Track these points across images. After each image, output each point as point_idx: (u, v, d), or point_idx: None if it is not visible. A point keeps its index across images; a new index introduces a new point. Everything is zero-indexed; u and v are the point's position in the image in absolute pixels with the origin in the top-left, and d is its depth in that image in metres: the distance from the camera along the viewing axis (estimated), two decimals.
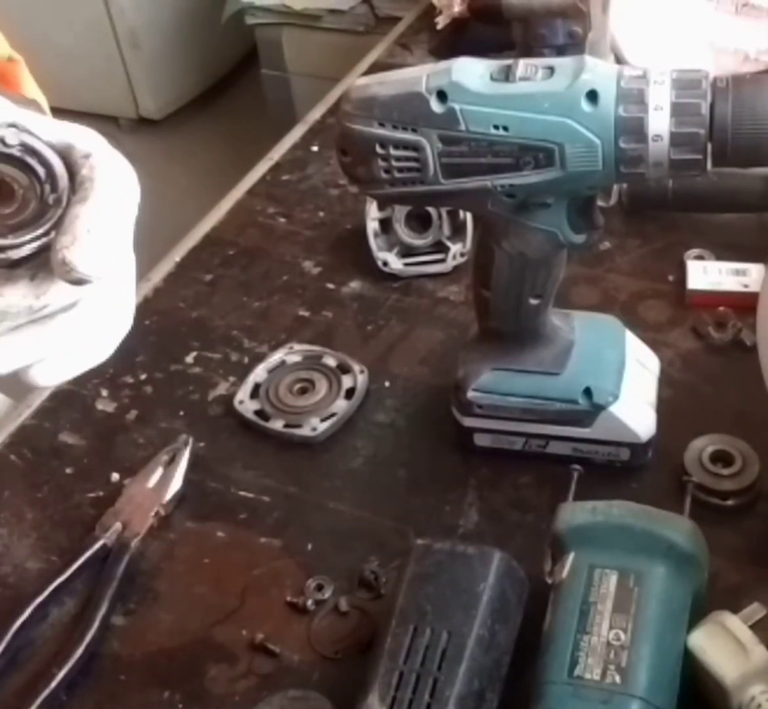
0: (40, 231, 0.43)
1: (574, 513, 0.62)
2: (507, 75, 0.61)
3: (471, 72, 0.61)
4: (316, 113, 1.20)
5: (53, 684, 0.66)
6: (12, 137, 0.43)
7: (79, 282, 0.42)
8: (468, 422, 0.75)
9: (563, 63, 0.60)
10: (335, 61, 1.81)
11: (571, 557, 0.60)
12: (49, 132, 0.44)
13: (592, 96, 0.58)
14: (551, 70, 0.60)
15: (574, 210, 0.64)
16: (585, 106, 0.58)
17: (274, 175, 1.10)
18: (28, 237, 0.43)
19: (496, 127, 0.60)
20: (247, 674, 0.67)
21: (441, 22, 1.28)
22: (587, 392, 0.71)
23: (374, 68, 1.28)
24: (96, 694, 0.67)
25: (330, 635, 0.68)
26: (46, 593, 0.71)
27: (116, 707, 0.66)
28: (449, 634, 0.58)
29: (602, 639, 0.56)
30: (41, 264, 0.43)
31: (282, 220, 1.04)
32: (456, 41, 1.27)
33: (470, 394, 0.73)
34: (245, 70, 2.62)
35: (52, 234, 0.43)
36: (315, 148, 1.13)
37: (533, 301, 0.69)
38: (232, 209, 1.05)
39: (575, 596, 0.58)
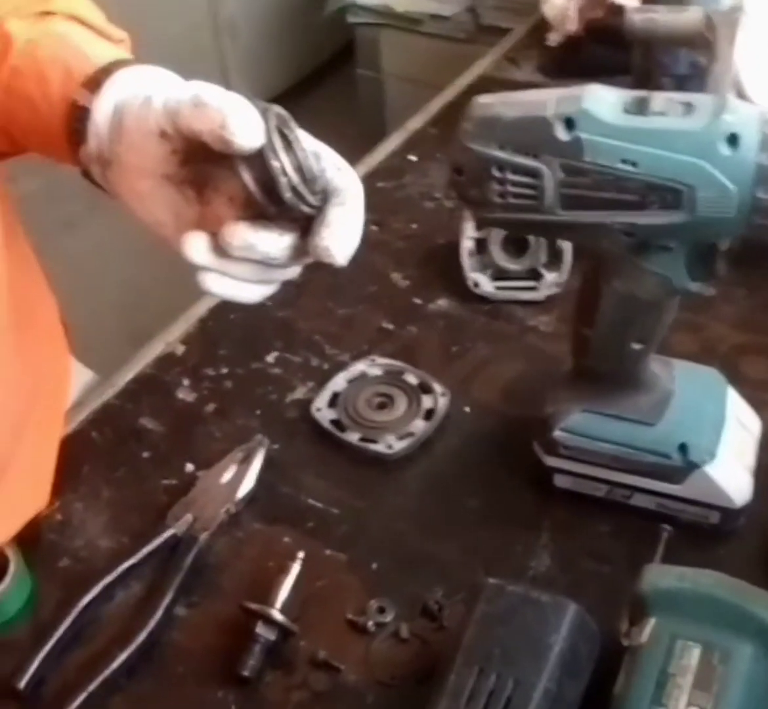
0: (316, 205, 0.56)
1: (661, 576, 0.60)
2: (641, 108, 0.59)
3: (603, 101, 0.59)
4: (416, 122, 1.19)
5: (114, 665, 0.67)
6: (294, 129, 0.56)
7: (331, 264, 0.55)
8: (550, 461, 0.73)
9: (703, 100, 0.58)
10: (431, 66, 1.80)
11: (652, 622, 0.58)
12: (305, 138, 0.57)
13: (733, 139, 0.56)
14: (689, 106, 0.58)
15: (694, 256, 0.62)
16: (723, 149, 0.56)
17: (368, 181, 1.09)
18: (312, 202, 0.55)
19: (624, 161, 0.58)
20: (301, 686, 0.66)
21: (553, 39, 1.26)
22: (682, 447, 0.69)
23: (480, 81, 1.28)
24: (154, 681, 0.68)
25: (388, 660, 0.67)
26: (115, 574, 0.72)
27: (172, 697, 0.67)
28: (516, 682, 0.57)
29: None
30: (287, 231, 0.56)
31: (374, 228, 1.03)
32: (568, 60, 1.26)
33: (557, 433, 0.72)
34: (338, 67, 2.61)
35: (315, 211, 0.56)
36: (413, 158, 1.13)
37: (636, 346, 0.68)
38: None
39: (653, 664, 0.56)
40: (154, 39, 2.39)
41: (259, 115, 0.53)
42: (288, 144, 0.55)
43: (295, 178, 0.54)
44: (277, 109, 0.56)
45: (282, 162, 0.54)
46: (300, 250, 0.57)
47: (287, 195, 0.54)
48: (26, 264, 0.78)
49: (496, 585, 0.63)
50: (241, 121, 0.52)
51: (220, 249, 0.55)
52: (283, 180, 0.54)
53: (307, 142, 0.57)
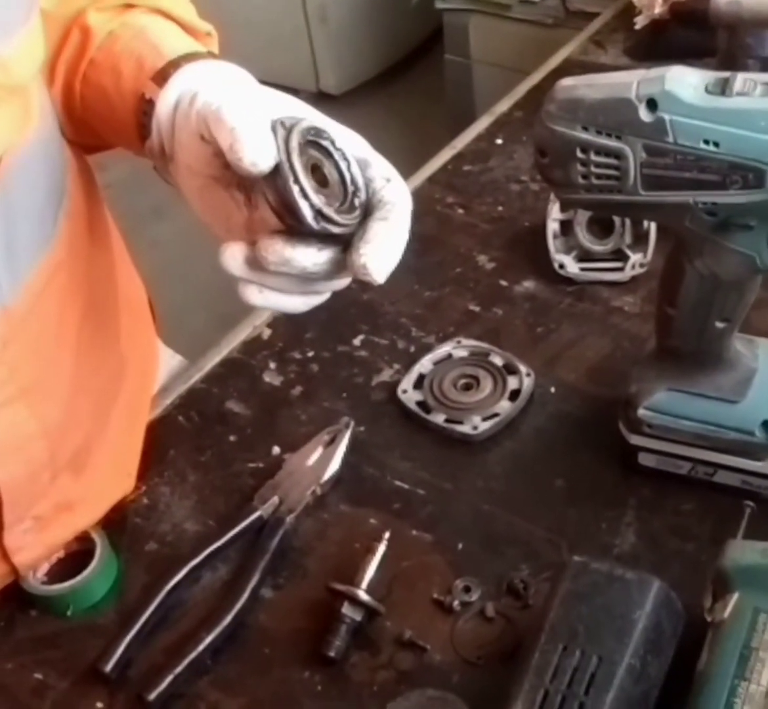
0: (349, 223, 0.52)
1: (744, 552, 0.60)
2: (723, 88, 0.58)
3: (685, 82, 0.59)
4: (503, 106, 1.19)
5: (200, 647, 0.68)
6: (340, 142, 0.54)
7: (366, 283, 0.52)
8: (635, 440, 0.73)
9: None
10: (520, 52, 1.79)
11: (735, 597, 0.58)
12: (352, 145, 0.55)
13: None
14: None
15: None
16: None
17: (455, 164, 1.10)
18: (343, 221, 0.52)
19: (706, 142, 0.58)
20: (387, 666, 0.67)
21: (640, 22, 1.25)
22: (766, 424, 0.69)
23: (566, 64, 1.26)
24: (240, 663, 0.69)
25: (473, 639, 0.68)
26: (201, 556, 0.73)
27: (258, 678, 0.68)
28: (600, 659, 0.58)
29: (761, 688, 0.54)
30: (326, 245, 0.53)
31: (460, 210, 1.03)
32: (653, 43, 1.24)
33: (641, 412, 0.72)
34: (427, 52, 2.62)
35: (351, 228, 0.52)
36: (499, 141, 1.13)
37: (719, 325, 0.68)
38: (412, 195, 1.05)
39: (736, 639, 0.56)
40: (245, 25, 2.45)
41: (272, 138, 0.51)
42: (328, 155, 0.53)
43: (318, 200, 0.51)
44: (308, 123, 0.53)
45: (303, 185, 0.51)
46: (341, 265, 0.53)
47: (308, 219, 0.51)
48: (112, 249, 0.79)
49: (581, 563, 0.63)
50: (248, 146, 0.50)
51: (257, 261, 0.53)
52: (302, 203, 0.51)
53: (355, 149, 0.54)
